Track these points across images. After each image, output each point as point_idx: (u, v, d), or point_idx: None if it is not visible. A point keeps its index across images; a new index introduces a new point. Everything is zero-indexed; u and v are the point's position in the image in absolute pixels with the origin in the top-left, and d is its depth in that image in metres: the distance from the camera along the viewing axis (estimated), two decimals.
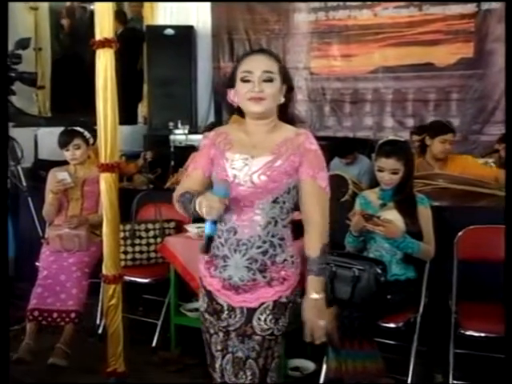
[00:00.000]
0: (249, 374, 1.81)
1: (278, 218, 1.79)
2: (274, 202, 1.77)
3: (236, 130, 1.87)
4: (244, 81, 1.77)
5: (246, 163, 1.78)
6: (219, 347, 1.86)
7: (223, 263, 1.82)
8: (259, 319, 1.80)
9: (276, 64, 1.79)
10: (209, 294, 1.88)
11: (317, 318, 1.77)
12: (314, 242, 1.78)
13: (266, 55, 1.82)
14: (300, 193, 1.81)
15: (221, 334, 1.86)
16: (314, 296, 1.78)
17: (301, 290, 1.87)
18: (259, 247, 1.78)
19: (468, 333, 2.60)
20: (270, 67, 1.77)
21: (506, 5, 3.08)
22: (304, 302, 1.80)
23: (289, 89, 1.84)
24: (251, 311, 1.80)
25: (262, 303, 1.80)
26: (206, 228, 1.71)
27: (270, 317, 1.80)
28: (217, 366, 1.88)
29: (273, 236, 1.79)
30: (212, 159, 1.85)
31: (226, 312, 1.83)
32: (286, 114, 1.88)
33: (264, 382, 1.83)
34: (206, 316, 1.90)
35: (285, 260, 1.81)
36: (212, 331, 1.89)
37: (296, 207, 1.85)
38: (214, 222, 1.71)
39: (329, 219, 1.82)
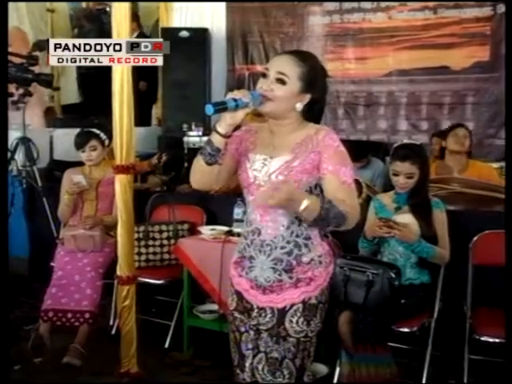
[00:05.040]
0: (286, 373, 1.81)
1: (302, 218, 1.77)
2: None
3: (263, 129, 1.86)
4: (263, 76, 1.77)
5: (265, 164, 1.78)
6: (250, 346, 1.86)
7: (250, 264, 1.83)
8: (291, 321, 1.79)
9: (299, 69, 1.74)
10: (238, 293, 1.89)
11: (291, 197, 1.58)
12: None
13: (293, 57, 1.76)
14: (323, 190, 1.76)
15: (251, 333, 1.86)
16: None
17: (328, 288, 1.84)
18: (283, 247, 1.77)
19: (483, 338, 2.59)
20: (286, 69, 1.73)
21: (506, 5, 3.06)
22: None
23: (313, 100, 1.78)
24: (282, 312, 1.79)
25: (292, 305, 1.79)
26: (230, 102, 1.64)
27: (302, 319, 1.78)
28: (247, 365, 1.86)
29: (297, 236, 1.77)
30: (238, 152, 1.84)
31: (256, 311, 1.84)
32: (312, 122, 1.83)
33: (301, 380, 1.83)
34: (236, 315, 1.89)
35: (312, 260, 1.78)
36: (242, 329, 1.88)
37: None
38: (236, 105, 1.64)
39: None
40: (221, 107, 1.64)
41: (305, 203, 1.58)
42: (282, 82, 1.73)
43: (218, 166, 1.75)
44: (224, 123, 1.68)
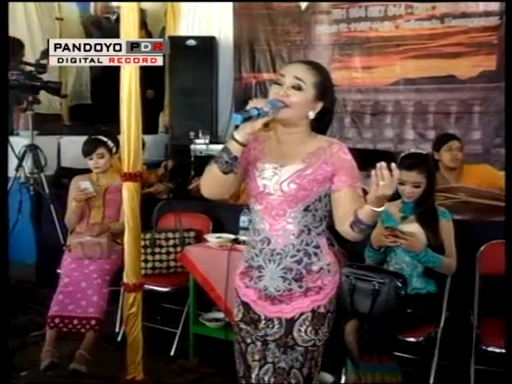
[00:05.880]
0: (293, 383, 1.80)
1: (311, 226, 1.78)
2: (306, 210, 1.77)
3: (271, 138, 1.87)
4: (276, 83, 1.79)
5: (276, 172, 1.79)
6: (257, 357, 1.85)
7: (258, 274, 1.82)
8: (299, 330, 1.79)
9: (313, 77, 1.77)
10: (244, 304, 1.88)
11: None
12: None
13: (307, 65, 1.80)
14: (335, 202, 1.77)
15: (258, 344, 1.85)
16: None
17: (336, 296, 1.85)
18: (293, 256, 1.78)
19: (490, 349, 2.57)
20: (303, 76, 1.76)
21: (506, 5, 3.05)
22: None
23: (325, 109, 1.81)
24: (290, 322, 1.79)
25: (301, 314, 1.79)
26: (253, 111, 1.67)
27: (310, 328, 1.79)
28: (253, 376, 1.86)
29: (307, 244, 1.78)
30: (247, 161, 1.84)
31: (264, 322, 1.83)
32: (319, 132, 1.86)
33: None
34: (242, 326, 1.89)
35: (321, 268, 1.80)
36: (249, 341, 1.87)
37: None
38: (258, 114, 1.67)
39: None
40: (247, 116, 1.66)
41: (386, 204, 1.62)
42: (298, 87, 1.75)
43: (233, 174, 1.75)
44: (243, 132, 1.68)
